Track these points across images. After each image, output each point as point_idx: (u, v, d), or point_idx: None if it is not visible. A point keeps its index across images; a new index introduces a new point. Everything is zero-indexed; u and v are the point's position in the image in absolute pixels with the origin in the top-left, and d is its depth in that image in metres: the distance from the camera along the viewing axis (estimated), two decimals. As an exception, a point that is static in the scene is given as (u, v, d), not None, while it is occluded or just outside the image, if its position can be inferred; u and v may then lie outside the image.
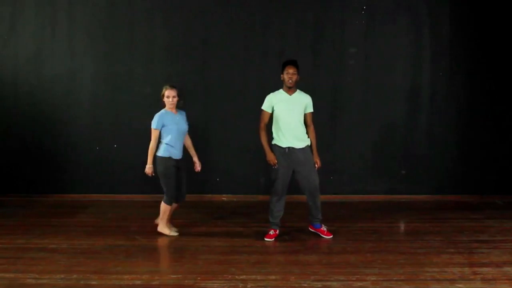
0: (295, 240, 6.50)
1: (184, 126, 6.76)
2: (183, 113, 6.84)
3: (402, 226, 7.39)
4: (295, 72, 6.53)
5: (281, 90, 6.65)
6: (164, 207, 6.61)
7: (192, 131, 8.92)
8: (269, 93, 6.72)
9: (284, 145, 6.52)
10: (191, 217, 7.71)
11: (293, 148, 6.51)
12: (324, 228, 6.66)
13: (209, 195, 8.91)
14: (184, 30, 8.99)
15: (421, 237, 6.63)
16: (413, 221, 7.56)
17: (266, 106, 6.62)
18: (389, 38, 9.04)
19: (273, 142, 6.60)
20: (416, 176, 9.11)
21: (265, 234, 6.57)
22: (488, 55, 9.03)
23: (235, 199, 8.89)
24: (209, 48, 8.99)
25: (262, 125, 6.61)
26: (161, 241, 6.43)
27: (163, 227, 6.69)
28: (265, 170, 8.83)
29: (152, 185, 8.96)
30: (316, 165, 6.54)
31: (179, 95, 6.71)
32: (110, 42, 9.02)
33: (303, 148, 6.54)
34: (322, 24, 9.01)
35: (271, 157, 6.51)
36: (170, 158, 6.63)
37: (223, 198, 8.93)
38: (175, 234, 6.68)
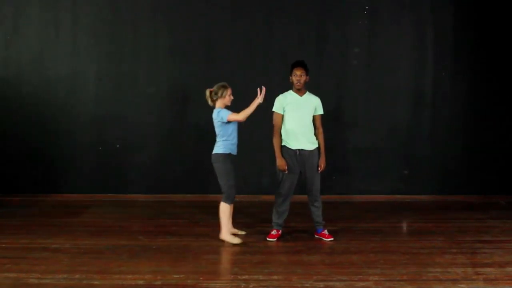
0: (297, 240, 6.50)
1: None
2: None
3: (405, 226, 7.39)
4: (303, 73, 6.48)
5: (290, 91, 6.60)
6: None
7: (196, 131, 8.98)
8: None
9: (294, 147, 6.49)
10: (194, 217, 7.72)
11: (303, 150, 6.48)
12: (325, 231, 6.63)
13: (212, 195, 8.89)
14: (188, 30, 9.01)
15: (424, 237, 6.62)
16: (416, 221, 7.56)
17: (277, 108, 6.56)
18: (392, 38, 9.05)
19: (283, 143, 6.54)
20: (419, 176, 9.11)
21: (268, 234, 6.57)
22: (491, 55, 9.04)
23: (237, 199, 8.85)
24: (212, 49, 9.01)
25: (277, 128, 6.55)
26: (164, 241, 6.43)
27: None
28: (268, 170, 8.86)
29: (155, 185, 9.03)
30: (319, 168, 6.52)
31: None
32: (114, 42, 9.04)
33: (312, 150, 6.51)
34: (325, 25, 9.02)
35: (281, 163, 6.44)
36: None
37: (226, 198, 8.92)
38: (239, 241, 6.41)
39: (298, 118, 6.48)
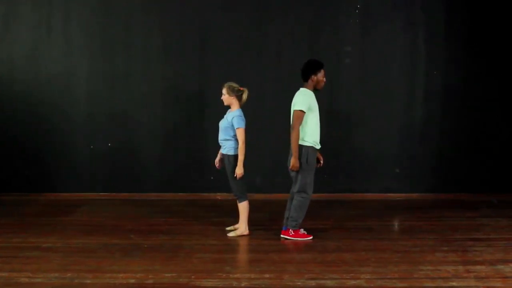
0: (289, 239, 6.49)
1: (222, 122, 6.65)
2: (230, 113, 6.60)
3: (396, 225, 7.41)
4: None
5: (309, 90, 6.41)
6: None
7: (189, 130, 8.99)
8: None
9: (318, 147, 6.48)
10: (186, 215, 7.72)
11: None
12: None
13: (205, 194, 8.93)
14: (181, 28, 9.00)
15: (415, 235, 6.65)
16: (408, 219, 7.59)
17: (307, 107, 6.30)
18: (384, 37, 9.07)
19: (310, 144, 6.34)
20: (411, 175, 9.14)
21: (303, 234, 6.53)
22: (483, 53, 9.07)
23: (230, 198, 8.87)
24: (206, 47, 9.00)
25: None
26: (156, 240, 6.42)
27: None
28: (261, 169, 8.87)
29: (147, 184, 9.02)
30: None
31: (227, 93, 6.59)
32: (107, 41, 9.01)
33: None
34: (319, 24, 9.02)
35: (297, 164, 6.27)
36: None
37: (217, 197, 8.94)
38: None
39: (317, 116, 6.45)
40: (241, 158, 6.42)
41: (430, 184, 9.16)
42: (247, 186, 6.69)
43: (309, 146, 6.31)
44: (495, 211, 8.12)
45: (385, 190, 9.12)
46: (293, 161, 6.24)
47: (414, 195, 9.06)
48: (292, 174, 6.42)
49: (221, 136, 6.62)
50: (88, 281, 4.98)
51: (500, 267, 5.44)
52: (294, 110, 6.31)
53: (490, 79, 9.10)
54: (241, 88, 6.60)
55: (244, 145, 6.43)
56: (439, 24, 9.09)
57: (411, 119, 9.13)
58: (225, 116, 6.64)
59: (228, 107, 6.68)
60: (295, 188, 6.41)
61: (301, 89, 6.44)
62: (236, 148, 6.49)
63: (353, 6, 9.01)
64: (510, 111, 9.14)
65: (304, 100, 6.28)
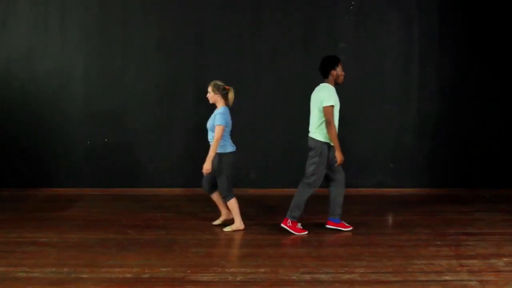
0: (285, 233, 6.52)
1: (210, 122, 6.67)
2: (215, 111, 6.65)
3: (390, 219, 7.45)
4: None
5: (331, 85, 6.52)
6: None
7: (184, 126, 9.00)
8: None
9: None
10: (182, 210, 7.74)
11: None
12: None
13: (200, 189, 8.90)
14: (178, 26, 8.99)
15: (409, 230, 6.69)
16: (402, 214, 7.63)
17: (334, 101, 6.42)
18: (378, 34, 9.09)
19: (327, 140, 6.45)
20: (405, 170, 9.17)
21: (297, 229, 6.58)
22: (476, 50, 9.10)
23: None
24: (202, 45, 9.00)
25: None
26: (152, 235, 6.46)
27: None
28: (255, 164, 8.90)
29: (143, 179, 9.04)
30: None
31: (213, 91, 6.62)
32: (103, 38, 9.01)
33: None
34: (316, 24, 9.03)
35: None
36: None
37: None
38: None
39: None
40: (211, 154, 6.43)
41: (425, 179, 9.20)
42: (233, 184, 6.73)
43: (323, 143, 6.42)
44: (488, 206, 8.17)
45: (379, 185, 9.15)
46: (338, 155, 6.40)
47: (408, 190, 9.10)
48: (309, 167, 6.47)
49: (210, 135, 6.64)
50: (85, 276, 5.01)
51: (493, 261, 5.49)
52: (324, 107, 6.34)
53: (486, 77, 9.12)
54: (227, 87, 6.64)
55: (217, 142, 6.44)
56: (435, 22, 9.10)
57: (405, 115, 9.15)
58: (211, 116, 6.66)
59: (215, 106, 6.70)
60: (303, 178, 6.53)
61: (323, 84, 6.53)
62: (223, 146, 6.53)
63: (348, 3, 9.02)
64: (506, 107, 9.18)
65: (331, 96, 6.37)
